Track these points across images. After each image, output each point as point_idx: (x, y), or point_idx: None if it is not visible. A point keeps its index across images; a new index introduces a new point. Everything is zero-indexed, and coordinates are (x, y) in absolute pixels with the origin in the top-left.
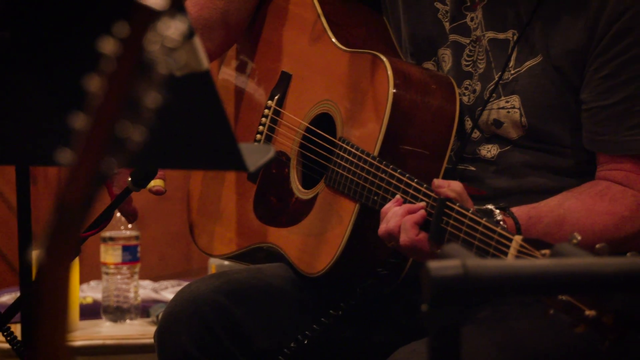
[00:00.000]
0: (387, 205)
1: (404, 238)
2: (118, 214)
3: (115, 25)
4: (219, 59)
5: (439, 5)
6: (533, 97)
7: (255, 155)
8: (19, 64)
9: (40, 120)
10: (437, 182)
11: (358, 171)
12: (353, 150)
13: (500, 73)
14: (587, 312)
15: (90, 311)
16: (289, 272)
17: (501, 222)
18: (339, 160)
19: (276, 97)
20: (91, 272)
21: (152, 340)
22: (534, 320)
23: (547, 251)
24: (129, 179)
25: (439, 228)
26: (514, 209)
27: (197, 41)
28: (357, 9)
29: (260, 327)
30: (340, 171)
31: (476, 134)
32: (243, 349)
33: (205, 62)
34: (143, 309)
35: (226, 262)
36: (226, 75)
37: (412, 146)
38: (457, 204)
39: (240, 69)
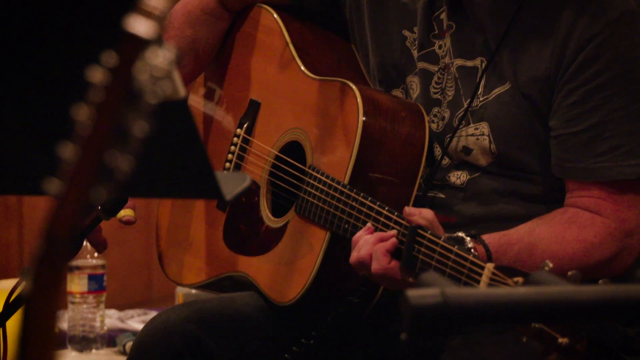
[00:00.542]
0: (359, 234)
1: (375, 266)
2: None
3: (104, 55)
4: (187, 87)
5: (407, 33)
6: (502, 124)
7: (231, 183)
8: (6, 92)
9: (28, 149)
10: (408, 209)
11: (328, 199)
12: (323, 178)
13: (469, 100)
14: (560, 340)
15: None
16: (260, 300)
17: (472, 250)
18: (309, 189)
19: (245, 125)
20: None
21: None
22: (506, 348)
23: (519, 279)
24: (99, 207)
25: (410, 256)
26: (485, 237)
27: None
28: (326, 37)
29: (231, 357)
30: (311, 199)
31: (445, 161)
32: None
33: (182, 89)
34: (109, 339)
35: (193, 291)
36: (194, 102)
37: (382, 174)
38: (429, 232)
39: (209, 96)
